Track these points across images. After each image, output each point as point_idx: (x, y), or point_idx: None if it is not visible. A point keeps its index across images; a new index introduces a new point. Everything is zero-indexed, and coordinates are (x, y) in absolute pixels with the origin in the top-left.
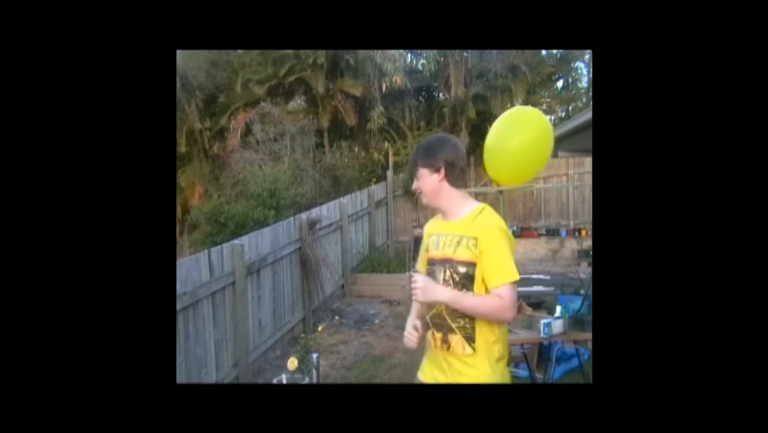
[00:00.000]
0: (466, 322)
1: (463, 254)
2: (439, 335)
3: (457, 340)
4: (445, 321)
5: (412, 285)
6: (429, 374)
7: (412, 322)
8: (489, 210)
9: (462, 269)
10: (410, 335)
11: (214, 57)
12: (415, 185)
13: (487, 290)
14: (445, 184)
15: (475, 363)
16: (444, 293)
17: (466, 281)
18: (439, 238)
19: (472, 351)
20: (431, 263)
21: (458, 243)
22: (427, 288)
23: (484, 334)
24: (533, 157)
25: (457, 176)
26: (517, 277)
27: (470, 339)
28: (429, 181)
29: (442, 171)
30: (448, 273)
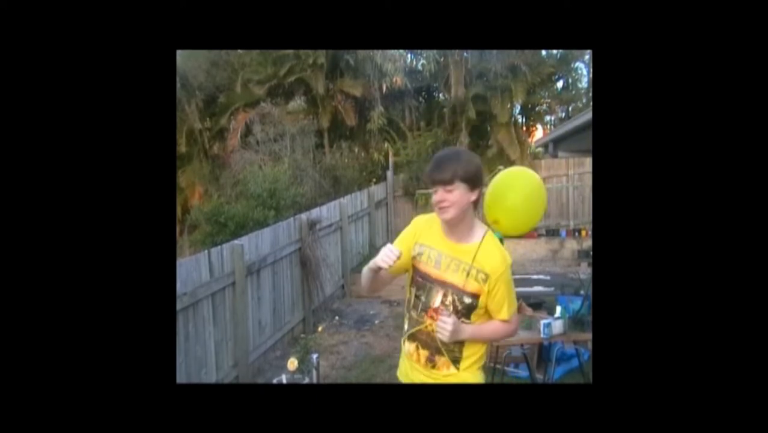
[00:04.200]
0: (455, 346)
1: (471, 286)
2: (424, 353)
3: (443, 361)
4: (434, 342)
5: (441, 324)
6: (411, 378)
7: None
8: (495, 240)
9: (467, 300)
10: (391, 252)
11: (214, 57)
12: (441, 196)
13: (487, 316)
14: (472, 208)
15: (459, 378)
16: (467, 331)
17: (467, 311)
18: (441, 257)
19: (456, 370)
20: (425, 277)
21: (467, 273)
22: (457, 331)
23: (470, 356)
24: (529, 212)
25: (479, 202)
26: (516, 306)
27: (456, 361)
28: (464, 199)
29: (477, 193)
30: (450, 299)
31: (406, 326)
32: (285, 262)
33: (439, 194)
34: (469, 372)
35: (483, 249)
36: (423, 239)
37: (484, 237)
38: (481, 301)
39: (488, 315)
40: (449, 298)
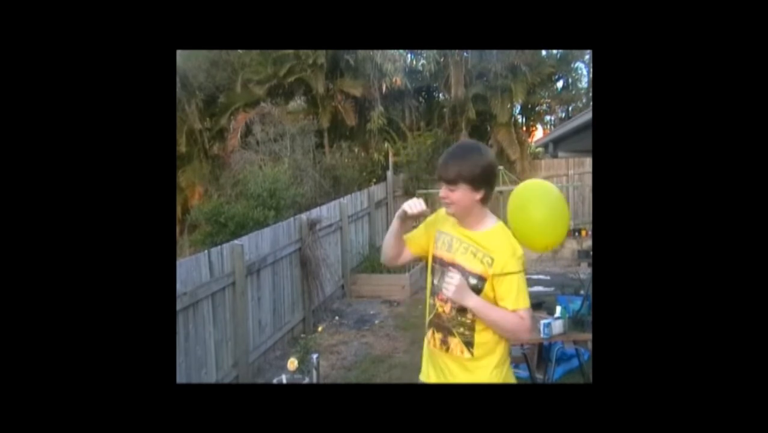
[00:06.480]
0: (466, 329)
1: (476, 267)
2: (438, 336)
3: (456, 343)
4: (446, 324)
5: (447, 279)
6: (428, 375)
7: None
8: (506, 230)
9: (473, 281)
10: (417, 201)
11: (214, 57)
12: (444, 193)
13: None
14: (479, 204)
15: (474, 368)
16: (473, 300)
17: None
18: (452, 240)
19: (470, 355)
20: (440, 262)
21: (474, 254)
22: (461, 288)
23: (483, 340)
24: (556, 228)
25: (489, 197)
26: (529, 304)
27: (469, 345)
28: (466, 198)
29: (482, 192)
30: None
31: (429, 317)
32: (285, 262)
33: (443, 191)
34: (484, 362)
35: (491, 234)
36: (441, 227)
37: (494, 226)
38: (488, 285)
39: (496, 304)
40: None
